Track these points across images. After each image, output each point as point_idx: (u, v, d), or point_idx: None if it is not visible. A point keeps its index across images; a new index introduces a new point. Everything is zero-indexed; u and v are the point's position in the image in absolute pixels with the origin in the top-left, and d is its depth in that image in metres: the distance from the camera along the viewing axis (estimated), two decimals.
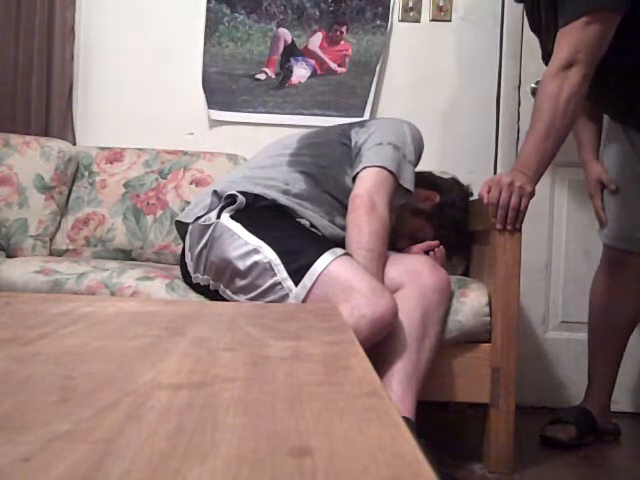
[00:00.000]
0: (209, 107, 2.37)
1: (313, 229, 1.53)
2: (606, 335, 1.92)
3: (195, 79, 2.38)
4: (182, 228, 1.61)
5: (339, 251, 1.39)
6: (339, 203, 1.59)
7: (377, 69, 2.35)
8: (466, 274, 1.87)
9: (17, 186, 2.09)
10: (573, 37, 1.53)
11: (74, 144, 2.32)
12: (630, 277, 1.89)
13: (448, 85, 2.38)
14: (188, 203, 1.97)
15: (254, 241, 1.41)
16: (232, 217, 1.47)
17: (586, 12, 1.51)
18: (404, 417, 1.32)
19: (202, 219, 1.52)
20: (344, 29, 2.36)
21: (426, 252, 1.75)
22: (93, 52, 2.40)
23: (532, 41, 1.90)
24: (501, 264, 1.58)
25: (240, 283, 1.43)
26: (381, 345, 1.36)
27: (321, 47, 2.37)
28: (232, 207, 1.49)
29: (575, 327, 2.21)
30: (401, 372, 1.38)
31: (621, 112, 1.84)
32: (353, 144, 1.64)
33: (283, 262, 1.37)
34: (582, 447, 1.82)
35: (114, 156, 2.21)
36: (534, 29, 1.81)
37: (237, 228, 1.44)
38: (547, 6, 1.65)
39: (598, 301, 1.94)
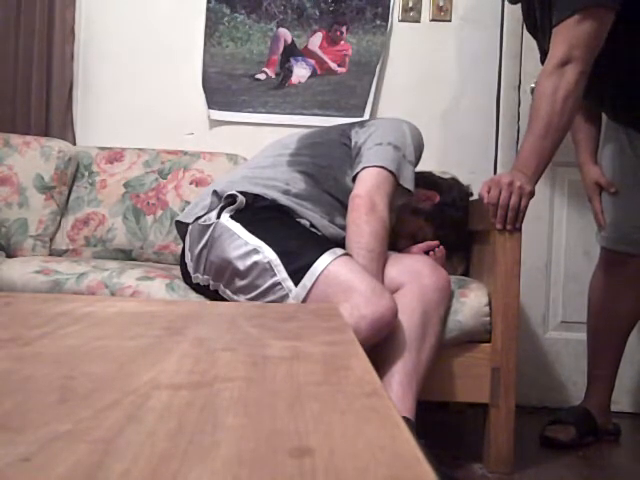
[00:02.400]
0: (209, 107, 2.37)
1: (313, 229, 1.53)
2: (605, 335, 1.92)
3: (195, 79, 2.38)
4: (182, 228, 1.61)
5: (339, 251, 1.39)
6: (339, 203, 1.58)
7: (377, 69, 2.35)
8: (466, 274, 1.87)
9: (17, 186, 2.09)
10: (567, 35, 1.53)
11: (74, 144, 2.32)
12: (628, 277, 1.89)
13: (448, 85, 2.38)
14: (188, 203, 1.97)
15: (254, 241, 1.41)
16: (232, 217, 1.47)
17: (579, 9, 1.51)
18: (404, 417, 1.32)
19: (202, 219, 1.52)
20: (344, 29, 2.36)
21: (426, 252, 1.75)
22: (93, 52, 2.40)
23: (532, 41, 1.90)
24: (501, 264, 1.58)
25: (240, 283, 1.43)
26: (381, 345, 1.36)
27: (321, 47, 2.37)
28: (232, 207, 1.49)
29: (575, 327, 2.21)
30: (401, 372, 1.38)
31: (619, 112, 1.84)
32: (353, 144, 1.64)
33: (283, 262, 1.37)
34: (582, 447, 1.82)
35: (114, 156, 2.21)
36: (531, 30, 1.81)
37: (237, 228, 1.44)
38: (542, 6, 1.65)
39: (597, 302, 1.94)
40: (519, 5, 1.82)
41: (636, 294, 1.90)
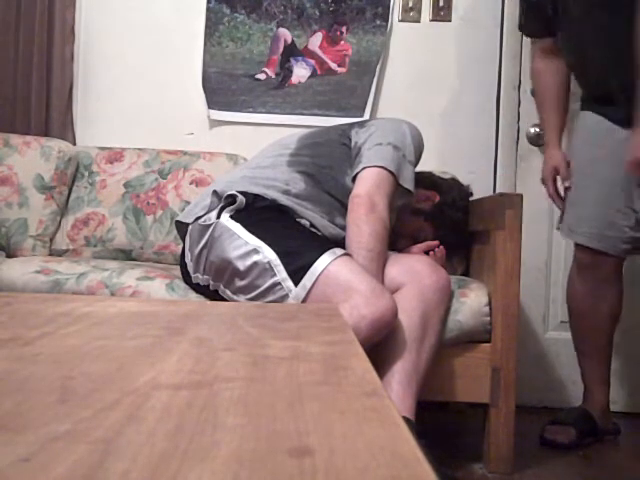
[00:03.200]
0: (209, 107, 2.37)
1: (313, 229, 1.53)
2: (590, 337, 1.88)
3: (195, 79, 2.38)
4: (182, 228, 1.61)
5: (339, 251, 1.39)
6: (339, 203, 1.58)
7: (377, 69, 2.35)
8: (466, 274, 1.87)
9: (17, 186, 2.09)
10: None
11: (74, 144, 2.32)
12: (604, 277, 1.84)
13: (448, 85, 2.38)
14: (188, 203, 1.97)
15: (254, 241, 1.41)
16: (232, 217, 1.47)
17: None
18: (404, 417, 1.32)
19: (202, 219, 1.52)
20: (344, 29, 2.36)
21: (426, 252, 1.75)
22: (93, 52, 2.40)
23: None
24: (501, 264, 1.58)
25: (240, 283, 1.43)
26: (381, 345, 1.36)
27: (321, 47, 2.37)
28: (232, 207, 1.49)
29: None
30: (401, 372, 1.38)
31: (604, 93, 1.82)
32: (353, 144, 1.64)
33: (283, 262, 1.37)
34: (582, 447, 1.82)
35: (114, 156, 2.21)
36: None
37: (237, 228, 1.44)
38: None
39: (577, 305, 1.90)
40: (518, 3, 1.81)
41: (613, 292, 1.86)
